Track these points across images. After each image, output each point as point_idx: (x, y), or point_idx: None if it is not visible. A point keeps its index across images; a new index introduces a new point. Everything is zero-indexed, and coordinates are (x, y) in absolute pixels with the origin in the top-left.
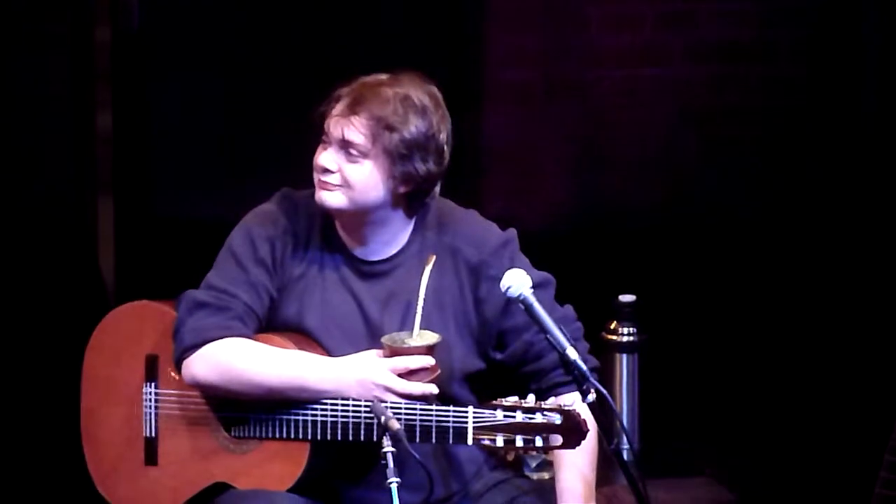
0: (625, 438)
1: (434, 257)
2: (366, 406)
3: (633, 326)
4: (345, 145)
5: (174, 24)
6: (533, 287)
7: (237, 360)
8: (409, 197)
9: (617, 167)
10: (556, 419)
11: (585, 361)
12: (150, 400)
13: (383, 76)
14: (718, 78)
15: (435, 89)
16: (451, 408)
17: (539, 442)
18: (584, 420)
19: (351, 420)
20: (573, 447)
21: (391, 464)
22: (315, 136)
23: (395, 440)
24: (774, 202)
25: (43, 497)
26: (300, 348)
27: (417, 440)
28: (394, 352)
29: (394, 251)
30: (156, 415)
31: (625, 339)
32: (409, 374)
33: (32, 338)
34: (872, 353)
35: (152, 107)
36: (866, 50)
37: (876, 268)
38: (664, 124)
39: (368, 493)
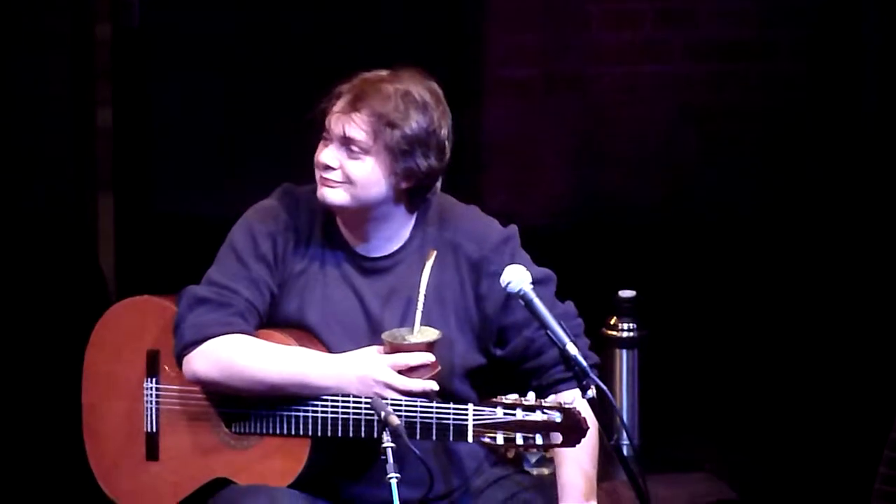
0: (625, 434)
1: (434, 253)
2: (366, 402)
3: (633, 322)
4: (346, 142)
5: (174, 22)
6: (533, 283)
7: (238, 356)
8: (411, 193)
9: (617, 163)
10: (557, 417)
11: (586, 358)
12: (151, 395)
13: (384, 72)
14: (718, 75)
15: (435, 85)
16: (451, 405)
17: (539, 440)
18: (584, 418)
19: (351, 417)
20: (573, 445)
21: (391, 459)
22: (315, 133)
23: (395, 436)
24: (774, 199)
25: (45, 492)
26: (301, 344)
27: (418, 437)
28: (394, 348)
29: (395, 247)
30: (157, 410)
31: (625, 334)
32: (409, 371)
33: (33, 334)
34: (872, 350)
35: (152, 104)
36: (866, 48)
37: (875, 264)
38: (664, 121)
39: (369, 489)
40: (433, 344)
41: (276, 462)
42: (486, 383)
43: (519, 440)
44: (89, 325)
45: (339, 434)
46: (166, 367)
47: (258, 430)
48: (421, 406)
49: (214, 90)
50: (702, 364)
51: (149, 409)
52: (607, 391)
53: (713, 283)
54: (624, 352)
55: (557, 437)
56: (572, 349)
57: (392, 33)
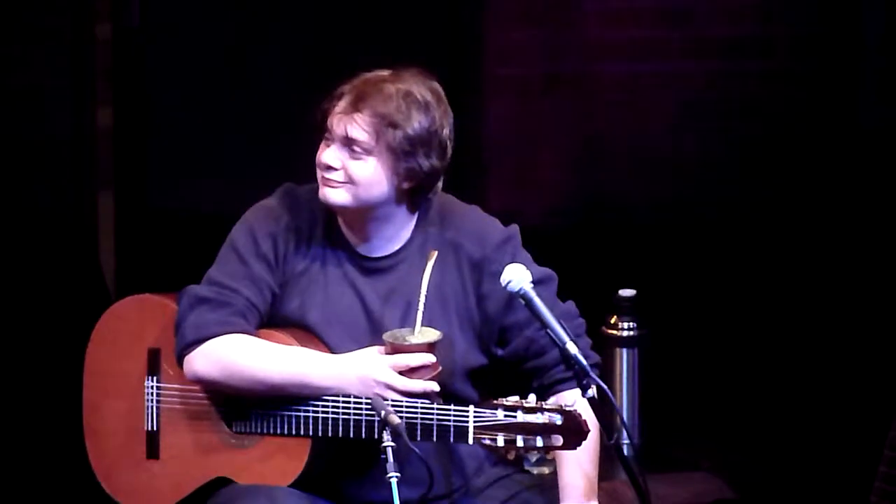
0: (625, 433)
1: (436, 254)
2: (366, 402)
3: (633, 321)
4: (348, 143)
5: (174, 21)
6: (534, 283)
7: (239, 356)
8: (412, 193)
9: (617, 162)
10: (557, 419)
11: (587, 357)
12: (152, 393)
13: (385, 72)
14: (718, 73)
15: (436, 84)
16: (452, 407)
17: (540, 442)
18: (584, 421)
19: (352, 417)
20: (573, 448)
21: (391, 458)
22: (316, 132)
23: (395, 435)
24: (773, 197)
25: (46, 490)
26: (302, 344)
27: (418, 438)
28: (395, 349)
29: (396, 247)
30: (157, 408)
31: (625, 333)
32: (410, 372)
33: (33, 332)
34: (872, 349)
35: (152, 103)
36: (866, 46)
37: (875, 264)
38: (663, 119)
39: (369, 489)
40: (434, 345)
41: (276, 462)
42: (487, 383)
43: (519, 442)
44: (89, 323)
45: (340, 434)
46: (167, 366)
47: (259, 430)
48: (422, 407)
49: (214, 88)
50: (702, 363)
51: (149, 408)
52: (607, 390)
53: (713, 282)
54: (624, 351)
55: (558, 440)
56: (572, 348)
57: (391, 32)
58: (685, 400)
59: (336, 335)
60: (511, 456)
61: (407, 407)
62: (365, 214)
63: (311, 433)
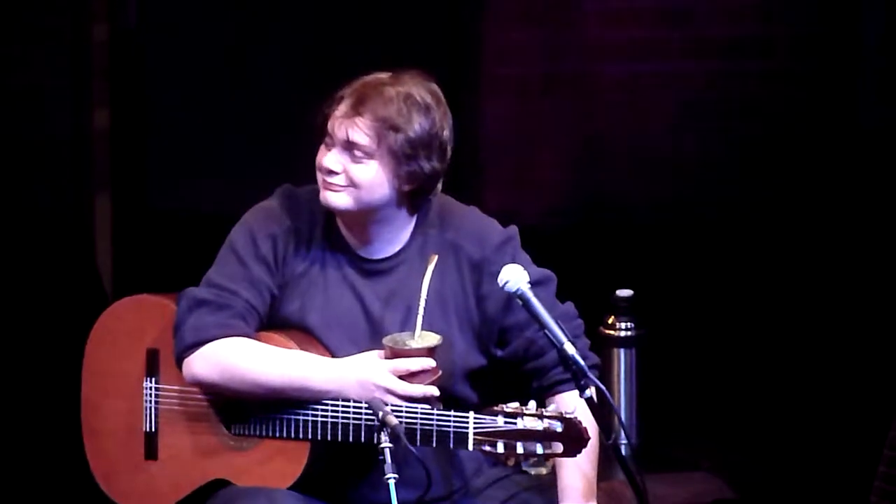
0: (623, 433)
1: (436, 257)
2: (365, 405)
3: (630, 321)
4: (349, 146)
5: (172, 22)
6: (533, 284)
7: (238, 359)
8: (413, 195)
9: (616, 162)
10: (558, 427)
11: (585, 358)
12: (151, 394)
13: (384, 75)
14: (718, 73)
15: (435, 86)
16: (452, 413)
17: (540, 449)
18: (585, 428)
19: (352, 421)
20: (573, 455)
21: (389, 459)
22: (315, 134)
23: (394, 436)
24: (773, 197)
25: (44, 491)
26: (301, 347)
27: (418, 444)
28: (395, 353)
29: (396, 249)
30: (156, 409)
31: (623, 333)
32: (410, 376)
33: (31, 333)
34: (871, 349)
35: (150, 103)
36: (866, 45)
37: (875, 264)
38: (663, 119)
39: (369, 491)
40: (434, 349)
41: (275, 464)
42: (487, 386)
43: (519, 449)
44: (87, 324)
45: (339, 438)
46: (166, 367)
47: (258, 433)
48: (421, 413)
49: (212, 89)
50: (700, 363)
51: (148, 409)
52: (605, 391)
53: (711, 283)
54: (622, 351)
55: (558, 447)
56: (570, 349)
57: (390, 32)
58: (684, 400)
59: (336, 337)
60: (511, 462)
61: (407, 412)
62: (365, 217)
63: (310, 437)
